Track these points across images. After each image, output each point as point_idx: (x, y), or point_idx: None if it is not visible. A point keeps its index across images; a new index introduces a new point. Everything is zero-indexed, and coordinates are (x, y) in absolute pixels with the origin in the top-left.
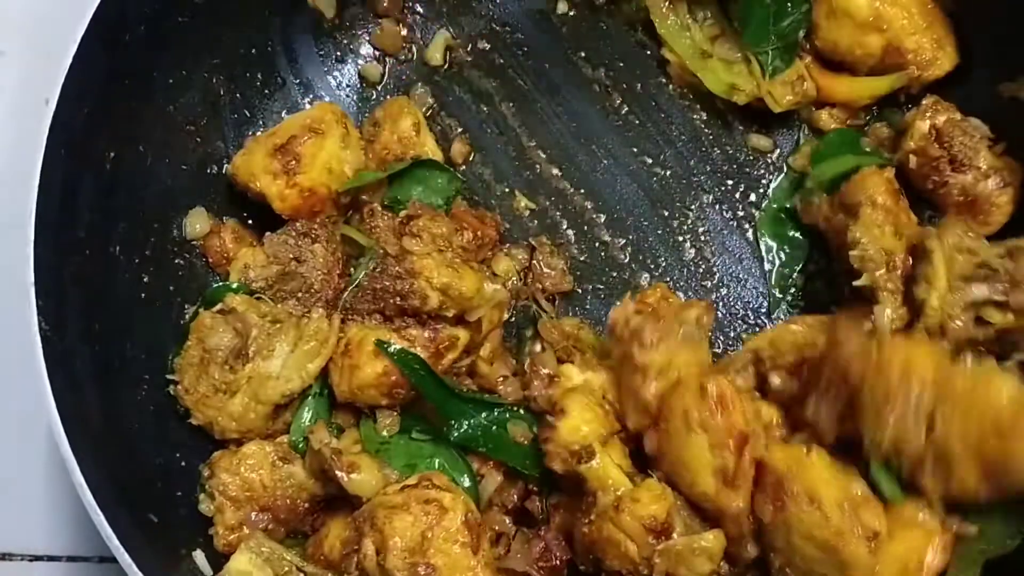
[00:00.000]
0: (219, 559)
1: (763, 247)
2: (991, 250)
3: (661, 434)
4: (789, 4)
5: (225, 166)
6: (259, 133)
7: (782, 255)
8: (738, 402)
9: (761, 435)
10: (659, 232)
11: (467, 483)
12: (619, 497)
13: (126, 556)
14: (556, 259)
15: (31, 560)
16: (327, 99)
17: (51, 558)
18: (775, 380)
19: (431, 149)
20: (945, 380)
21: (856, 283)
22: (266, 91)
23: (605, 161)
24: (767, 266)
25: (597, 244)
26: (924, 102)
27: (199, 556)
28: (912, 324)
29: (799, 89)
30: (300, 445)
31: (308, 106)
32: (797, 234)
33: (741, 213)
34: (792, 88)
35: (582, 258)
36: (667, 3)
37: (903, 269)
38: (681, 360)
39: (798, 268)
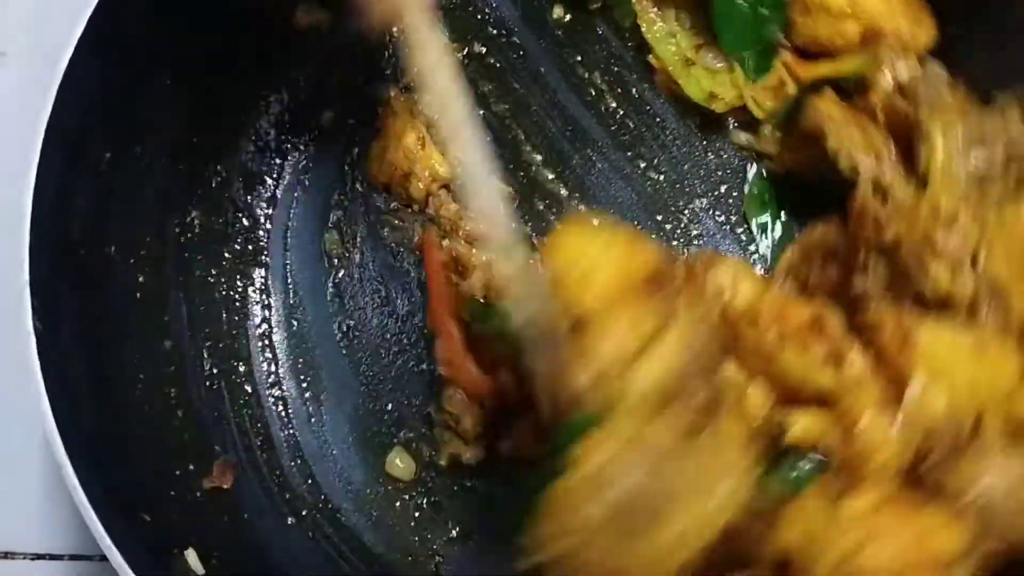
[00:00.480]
0: (211, 559)
1: (755, 227)
2: (983, 114)
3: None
4: (762, 7)
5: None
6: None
7: (777, 230)
8: (791, 301)
9: (833, 310)
10: (652, 236)
11: None
12: None
13: (118, 555)
14: None
15: (32, 559)
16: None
17: (52, 557)
18: (812, 279)
19: (437, 161)
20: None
21: (856, 194)
22: (263, 91)
23: (600, 165)
24: (763, 249)
25: None
26: (882, 57)
27: (191, 555)
28: None
29: (780, 94)
30: None
31: None
32: (783, 213)
33: (734, 218)
34: (774, 94)
35: None
36: (655, 9)
37: (889, 157)
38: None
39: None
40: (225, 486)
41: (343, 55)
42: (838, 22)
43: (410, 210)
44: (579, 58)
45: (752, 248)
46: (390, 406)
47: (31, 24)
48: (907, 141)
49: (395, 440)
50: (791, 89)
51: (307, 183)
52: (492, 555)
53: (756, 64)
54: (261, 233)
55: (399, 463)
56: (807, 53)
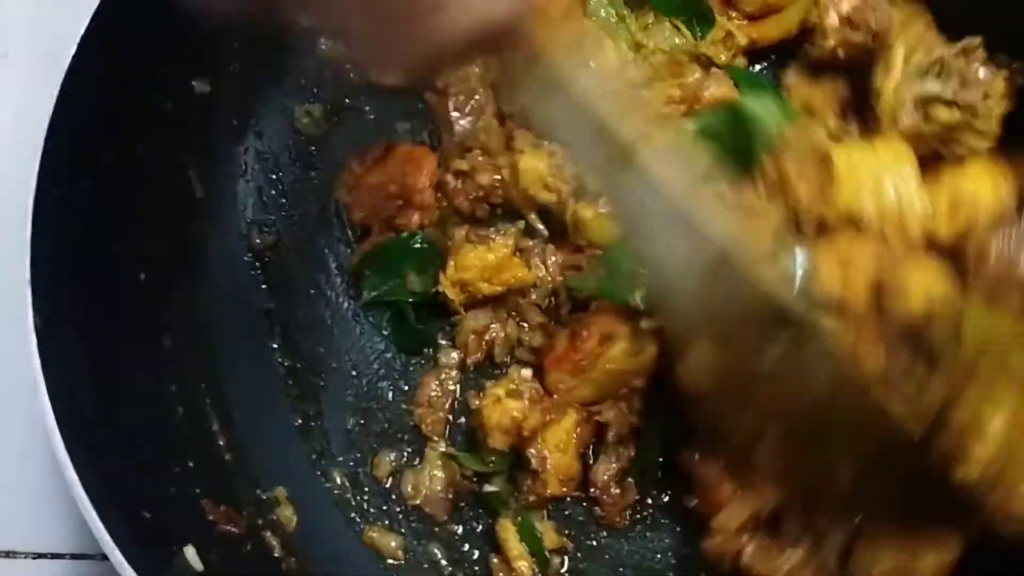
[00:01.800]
0: (210, 556)
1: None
2: (947, 48)
3: None
4: None
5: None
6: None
7: None
8: None
9: None
10: None
11: None
12: None
13: (116, 552)
14: None
15: (34, 558)
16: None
17: (54, 555)
18: None
19: None
20: None
21: None
22: (268, 90)
23: None
24: None
25: None
26: None
27: (190, 551)
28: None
29: (731, 44)
30: None
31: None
32: None
33: None
34: (724, 45)
35: None
36: None
37: None
38: None
39: None
40: None
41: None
42: None
43: None
44: None
45: None
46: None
47: (33, 25)
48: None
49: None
50: (741, 40)
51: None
52: None
53: (699, 23)
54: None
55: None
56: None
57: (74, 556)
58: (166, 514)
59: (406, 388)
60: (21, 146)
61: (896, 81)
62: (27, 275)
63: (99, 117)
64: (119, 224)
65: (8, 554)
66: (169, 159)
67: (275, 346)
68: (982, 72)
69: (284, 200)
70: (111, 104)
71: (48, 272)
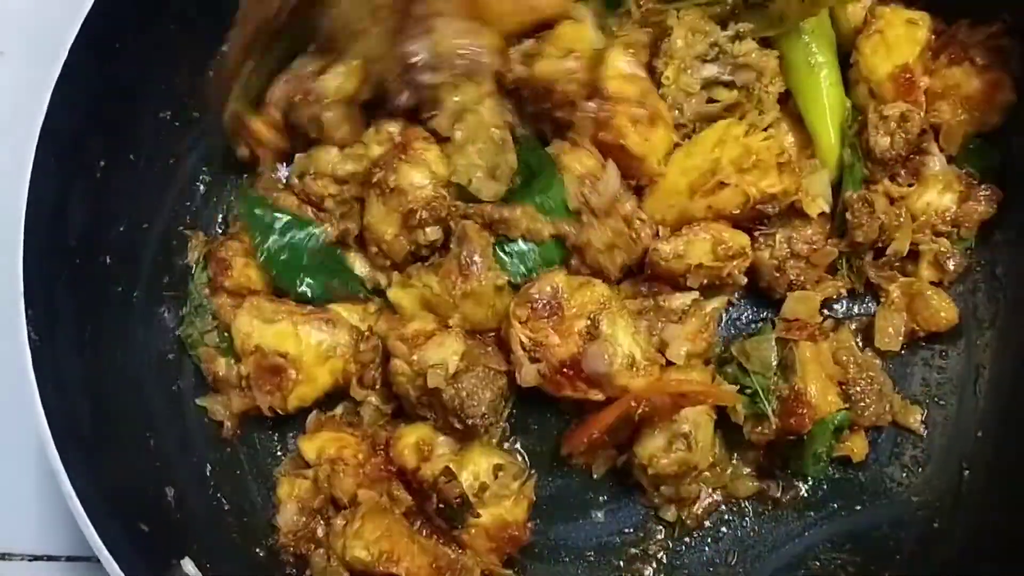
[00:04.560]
0: (205, 564)
1: None
2: (721, 32)
3: None
4: None
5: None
6: None
7: None
8: None
9: None
10: None
11: None
12: None
13: (114, 565)
14: None
15: (30, 560)
16: None
17: (50, 558)
18: None
19: None
20: None
21: None
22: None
23: None
24: None
25: None
26: None
27: (187, 564)
28: None
29: None
30: None
31: None
32: None
33: None
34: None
35: None
36: None
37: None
38: None
39: None
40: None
41: None
42: None
43: None
44: None
45: None
46: None
47: (29, 23)
48: None
49: None
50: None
51: None
52: None
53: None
54: None
55: None
56: None
57: (70, 558)
58: (164, 526)
59: None
60: (13, 152)
61: (676, 66)
62: (20, 287)
63: (92, 122)
64: (113, 234)
65: (4, 556)
66: (163, 167)
67: None
68: (754, 54)
69: None
70: (104, 109)
71: (42, 284)
